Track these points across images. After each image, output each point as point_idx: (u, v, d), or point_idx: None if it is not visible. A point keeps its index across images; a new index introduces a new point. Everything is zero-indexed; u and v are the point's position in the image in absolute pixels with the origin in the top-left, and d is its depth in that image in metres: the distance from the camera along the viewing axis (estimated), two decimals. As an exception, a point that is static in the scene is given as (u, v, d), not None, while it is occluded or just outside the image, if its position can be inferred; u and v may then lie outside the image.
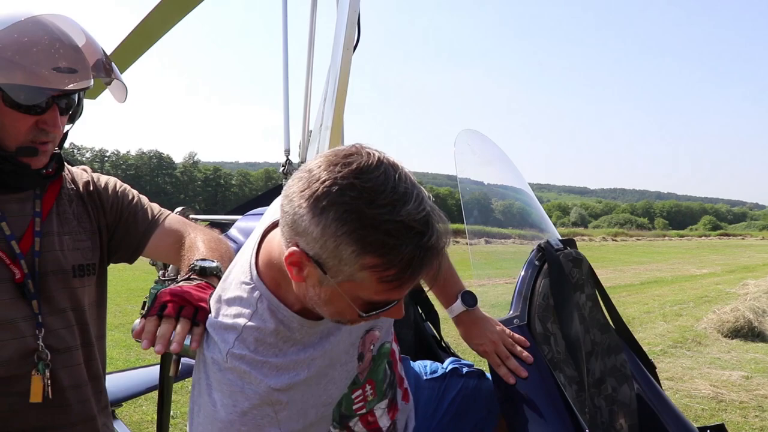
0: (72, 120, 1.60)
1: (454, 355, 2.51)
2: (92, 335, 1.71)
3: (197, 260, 1.52)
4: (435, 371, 1.90)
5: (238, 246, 2.35)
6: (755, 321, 9.48)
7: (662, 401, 2.08)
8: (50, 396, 1.55)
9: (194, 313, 1.29)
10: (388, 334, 1.53)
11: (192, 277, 1.46)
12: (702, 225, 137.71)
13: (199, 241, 1.69)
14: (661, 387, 2.14)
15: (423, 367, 1.92)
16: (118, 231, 1.76)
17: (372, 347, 1.46)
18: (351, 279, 1.07)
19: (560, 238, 1.97)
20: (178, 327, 1.27)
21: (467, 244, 1.98)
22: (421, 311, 2.56)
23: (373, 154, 1.07)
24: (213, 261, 1.53)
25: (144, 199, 1.86)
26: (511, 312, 1.75)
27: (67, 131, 1.62)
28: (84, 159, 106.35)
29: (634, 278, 17.74)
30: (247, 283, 1.25)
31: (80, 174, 1.76)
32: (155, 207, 1.87)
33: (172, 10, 3.13)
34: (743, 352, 8.35)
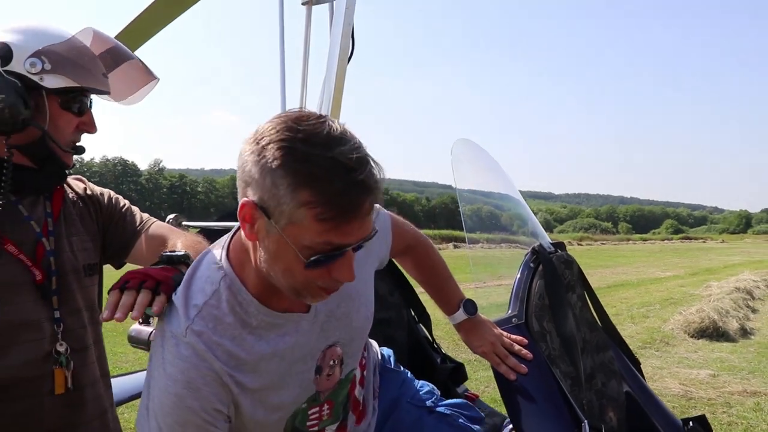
0: None
1: (445, 356, 2.60)
2: (100, 333, 1.77)
3: (165, 252, 1.56)
4: (426, 399, 1.89)
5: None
6: (719, 321, 9.76)
7: (648, 395, 2.20)
8: (72, 387, 1.60)
9: (156, 285, 1.34)
10: (355, 361, 1.55)
11: (158, 263, 1.52)
12: (664, 229, 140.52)
13: (178, 242, 1.73)
14: (645, 382, 2.26)
15: (426, 392, 1.93)
16: (108, 233, 1.81)
17: (332, 363, 1.45)
18: (291, 221, 1.08)
19: (551, 241, 2.08)
20: (140, 297, 1.32)
21: (468, 248, 2.07)
22: (414, 314, 2.64)
23: (320, 113, 1.14)
24: (181, 251, 1.56)
25: (134, 208, 1.92)
26: (510, 311, 1.84)
27: None
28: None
29: (601, 282, 18.04)
30: (215, 263, 1.29)
31: (76, 182, 1.83)
32: (144, 215, 1.92)
33: (164, 10, 3.18)
34: (709, 351, 8.60)
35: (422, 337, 2.61)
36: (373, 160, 1.11)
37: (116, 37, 2.90)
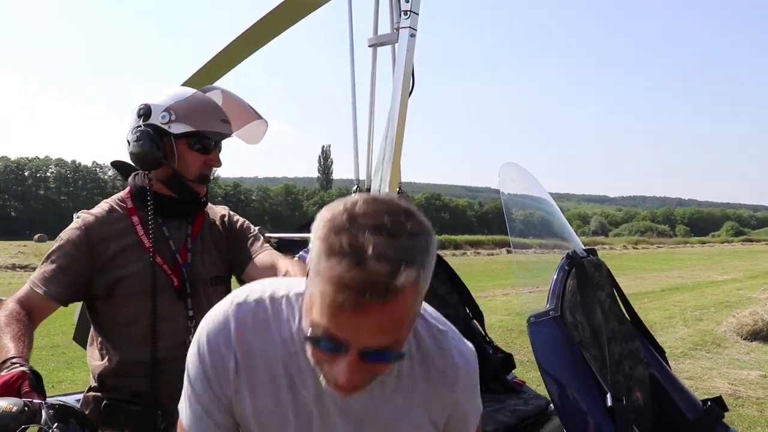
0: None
1: (496, 348, 3.00)
2: None
3: None
4: None
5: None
6: (773, 324, 9.82)
7: (670, 378, 2.57)
8: None
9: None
10: None
11: None
12: (724, 231, 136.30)
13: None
14: (670, 368, 2.62)
15: None
16: (233, 252, 2.25)
17: None
18: (312, 286, 1.00)
19: (584, 248, 2.46)
20: None
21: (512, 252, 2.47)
22: (468, 311, 3.05)
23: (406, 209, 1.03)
24: None
25: (259, 236, 2.31)
26: (548, 306, 2.23)
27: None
28: (106, 177, 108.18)
29: (655, 285, 18.03)
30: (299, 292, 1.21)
31: (220, 209, 2.29)
32: (262, 244, 2.27)
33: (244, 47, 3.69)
34: (762, 353, 8.71)
35: (476, 332, 3.01)
36: (402, 260, 0.95)
37: (203, 68, 3.45)
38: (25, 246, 35.12)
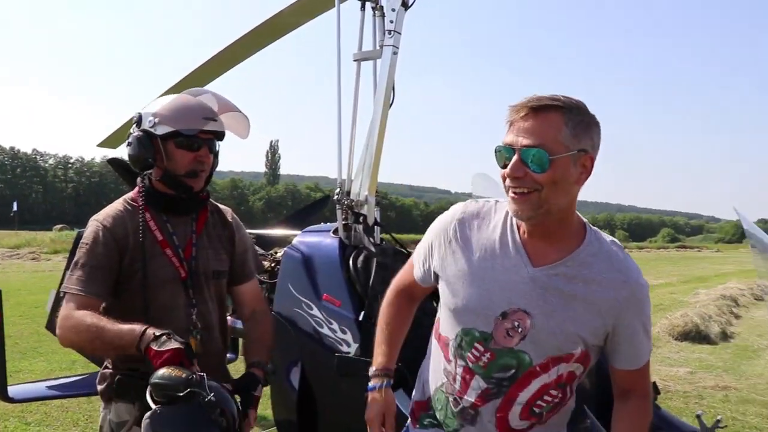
0: (216, 159, 2.36)
1: None
2: (225, 318, 2.48)
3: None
4: None
5: (304, 256, 3.11)
6: (702, 325, 10.49)
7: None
8: (201, 351, 2.24)
9: None
10: (536, 355, 1.65)
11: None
12: (661, 237, 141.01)
13: (266, 339, 2.42)
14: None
15: None
16: (232, 261, 2.48)
17: (516, 324, 1.63)
18: None
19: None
20: None
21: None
22: (436, 304, 3.35)
23: None
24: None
25: (251, 253, 2.56)
26: None
27: (214, 167, 2.36)
28: (47, 165, 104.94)
29: (595, 288, 18.69)
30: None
31: (226, 210, 2.52)
32: (253, 266, 2.56)
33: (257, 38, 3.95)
34: (690, 352, 9.33)
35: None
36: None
37: (193, 72, 3.70)
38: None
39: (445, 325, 1.80)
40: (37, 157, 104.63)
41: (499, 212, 1.74)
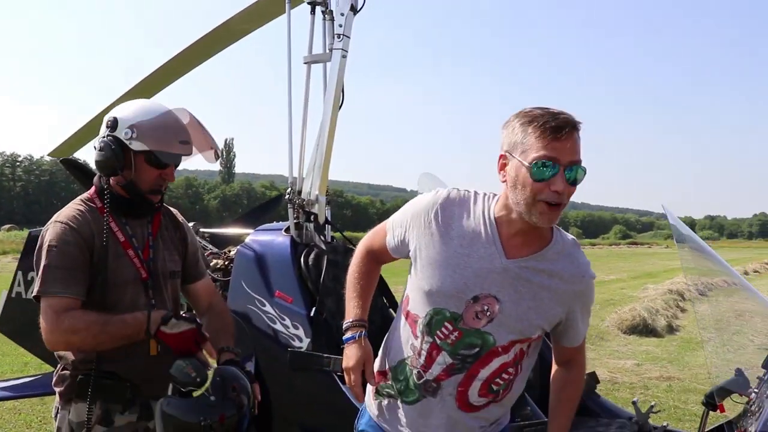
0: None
1: None
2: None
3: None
4: None
5: (256, 254, 3.17)
6: (649, 319, 10.87)
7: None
8: (160, 351, 2.29)
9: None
10: (500, 337, 1.84)
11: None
12: (613, 234, 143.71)
13: (228, 326, 2.51)
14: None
15: None
16: (184, 261, 2.53)
17: (486, 308, 1.81)
18: (523, 148, 1.69)
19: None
20: None
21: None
22: (386, 301, 3.45)
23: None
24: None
25: (200, 253, 2.65)
26: None
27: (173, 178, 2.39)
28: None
29: (548, 284, 19.07)
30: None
31: (175, 212, 2.57)
32: (203, 267, 2.66)
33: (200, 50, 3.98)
34: (637, 345, 9.66)
35: (391, 318, 3.42)
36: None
37: (141, 83, 3.71)
38: None
39: (415, 303, 1.95)
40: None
41: (478, 204, 1.88)
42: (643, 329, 10.58)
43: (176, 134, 2.26)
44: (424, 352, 1.90)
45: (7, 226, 47.61)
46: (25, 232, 35.35)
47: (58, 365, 2.32)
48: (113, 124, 2.22)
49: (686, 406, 6.28)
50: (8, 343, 7.88)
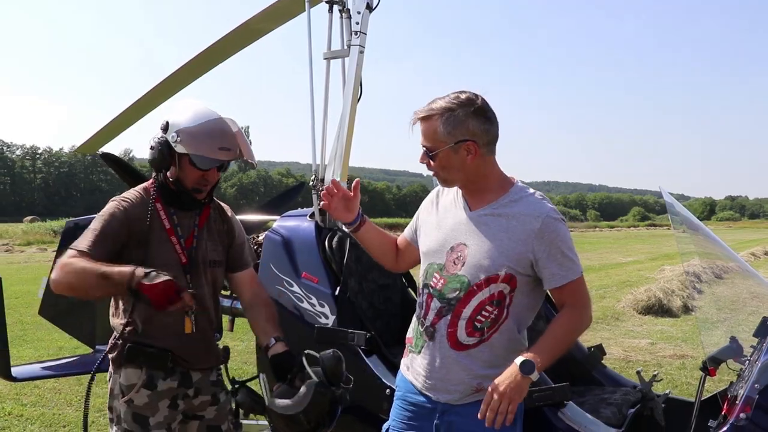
0: (224, 172, 2.64)
1: None
2: (218, 303, 2.78)
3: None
4: None
5: (284, 239, 3.40)
6: (664, 299, 10.99)
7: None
8: (195, 330, 2.56)
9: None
10: (472, 276, 2.17)
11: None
12: (631, 216, 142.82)
13: (274, 316, 2.75)
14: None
15: None
16: (228, 253, 2.77)
17: (459, 255, 2.20)
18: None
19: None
20: None
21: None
22: (405, 281, 3.67)
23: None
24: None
25: (247, 247, 2.88)
26: None
27: (219, 179, 2.63)
28: (14, 156, 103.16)
29: (565, 266, 19.16)
30: None
31: (226, 207, 2.81)
32: (250, 258, 2.88)
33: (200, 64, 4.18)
34: (652, 325, 9.82)
35: (411, 299, 3.64)
36: None
37: (163, 82, 3.92)
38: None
39: (421, 268, 2.38)
40: (4, 148, 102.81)
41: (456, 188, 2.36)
42: (658, 309, 10.73)
43: (217, 141, 2.46)
44: (423, 303, 2.31)
45: (29, 218, 48.36)
46: (47, 224, 36.03)
47: (112, 336, 2.56)
48: (165, 127, 2.48)
49: (698, 383, 6.44)
50: (43, 328, 8.29)
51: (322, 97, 3.58)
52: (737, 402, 2.30)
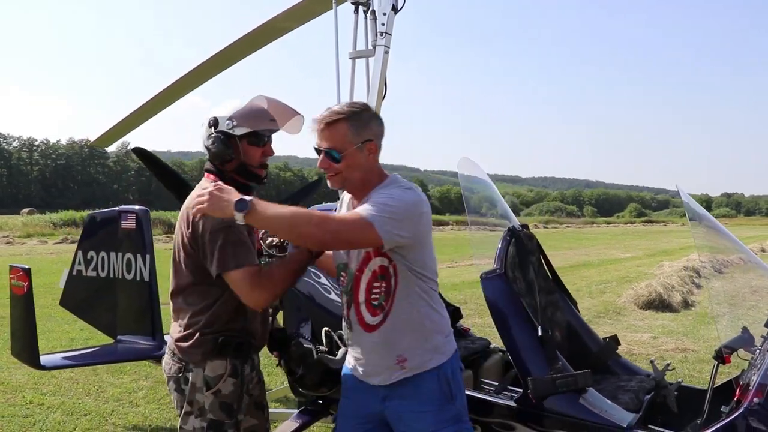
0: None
1: (447, 303, 3.76)
2: None
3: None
4: None
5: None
6: (665, 295, 11.14)
7: (579, 322, 3.42)
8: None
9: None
10: (351, 265, 2.39)
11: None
12: (628, 212, 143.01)
13: None
14: (579, 314, 3.47)
15: None
16: None
17: (349, 252, 2.38)
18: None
19: (519, 224, 3.26)
20: None
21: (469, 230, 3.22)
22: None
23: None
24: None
25: None
26: (495, 266, 3.00)
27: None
28: (11, 148, 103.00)
29: (564, 262, 19.37)
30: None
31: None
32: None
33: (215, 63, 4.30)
34: (653, 319, 9.96)
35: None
36: None
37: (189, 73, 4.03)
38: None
39: None
40: (0, 140, 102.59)
41: None
42: (659, 304, 10.88)
43: (265, 114, 2.64)
44: (342, 302, 2.49)
45: (26, 210, 48.39)
46: (47, 216, 36.00)
47: (191, 333, 2.57)
48: (215, 123, 2.59)
49: (701, 375, 6.59)
50: (53, 320, 8.41)
51: (346, 95, 3.70)
52: (750, 388, 2.45)
